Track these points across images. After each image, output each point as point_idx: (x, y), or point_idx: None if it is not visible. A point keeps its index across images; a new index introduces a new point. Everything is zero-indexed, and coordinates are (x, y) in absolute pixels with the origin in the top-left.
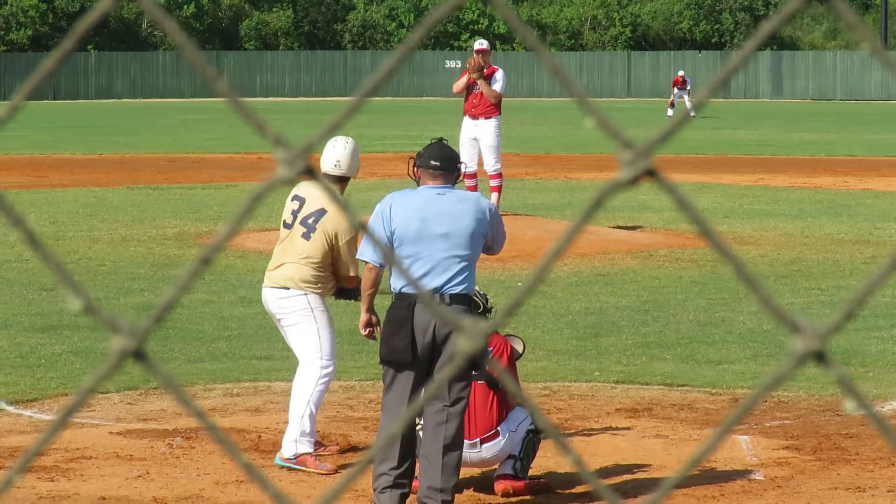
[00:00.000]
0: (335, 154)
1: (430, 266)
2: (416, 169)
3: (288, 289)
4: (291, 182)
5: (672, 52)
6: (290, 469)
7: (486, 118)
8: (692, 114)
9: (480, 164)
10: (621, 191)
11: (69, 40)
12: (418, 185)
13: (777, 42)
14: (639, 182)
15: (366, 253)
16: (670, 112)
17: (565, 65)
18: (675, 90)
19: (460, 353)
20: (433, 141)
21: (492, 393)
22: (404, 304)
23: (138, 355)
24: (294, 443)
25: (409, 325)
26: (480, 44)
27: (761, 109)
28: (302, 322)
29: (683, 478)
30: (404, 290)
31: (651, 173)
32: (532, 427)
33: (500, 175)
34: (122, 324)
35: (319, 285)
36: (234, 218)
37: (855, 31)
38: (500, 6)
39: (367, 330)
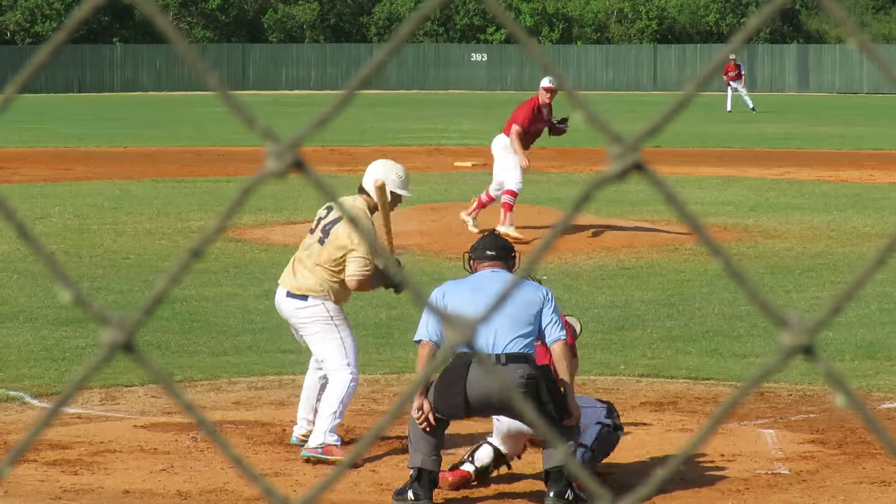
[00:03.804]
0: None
1: (483, 328)
2: (472, 262)
3: (306, 298)
4: (280, 175)
5: (698, 45)
6: (315, 461)
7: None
8: (750, 106)
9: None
10: (610, 185)
11: (62, 33)
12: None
13: (803, 36)
14: (627, 176)
15: (422, 332)
16: (729, 107)
17: (591, 58)
18: (730, 83)
19: (448, 345)
20: (485, 234)
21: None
22: (460, 363)
23: (128, 348)
24: (322, 433)
25: (462, 383)
26: (551, 81)
27: (787, 103)
28: (322, 331)
29: (675, 473)
30: (461, 350)
31: (639, 167)
32: (609, 422)
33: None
34: (112, 316)
35: (333, 293)
36: (225, 210)
37: (843, 26)
38: (488, 2)
39: (419, 414)
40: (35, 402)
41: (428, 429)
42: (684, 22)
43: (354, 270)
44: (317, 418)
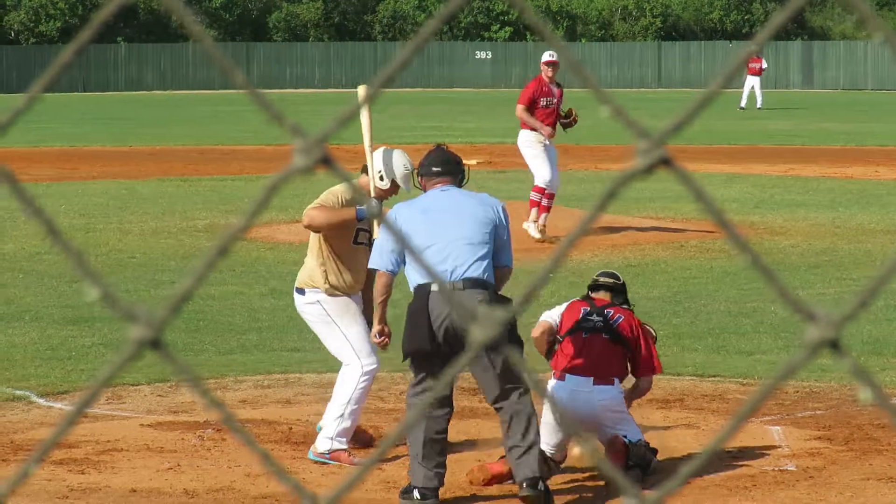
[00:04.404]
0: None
1: (437, 251)
2: (420, 179)
3: (303, 292)
4: (308, 171)
5: (702, 42)
6: (323, 464)
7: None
8: (759, 104)
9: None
10: (637, 180)
11: (87, 32)
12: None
13: (808, 32)
14: (654, 171)
15: (376, 261)
16: (744, 103)
17: (596, 55)
18: (748, 76)
19: (475, 342)
20: (432, 148)
21: (615, 347)
22: (420, 295)
23: (155, 344)
24: (330, 440)
25: (425, 314)
26: (551, 55)
27: (792, 99)
28: (324, 331)
29: (702, 468)
30: (419, 281)
31: (666, 162)
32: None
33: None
34: (140, 313)
35: (324, 281)
36: (252, 208)
37: (868, 21)
38: (517, 2)
39: (381, 339)
40: (41, 401)
41: (387, 349)
42: (688, 19)
43: (307, 209)
44: (326, 417)
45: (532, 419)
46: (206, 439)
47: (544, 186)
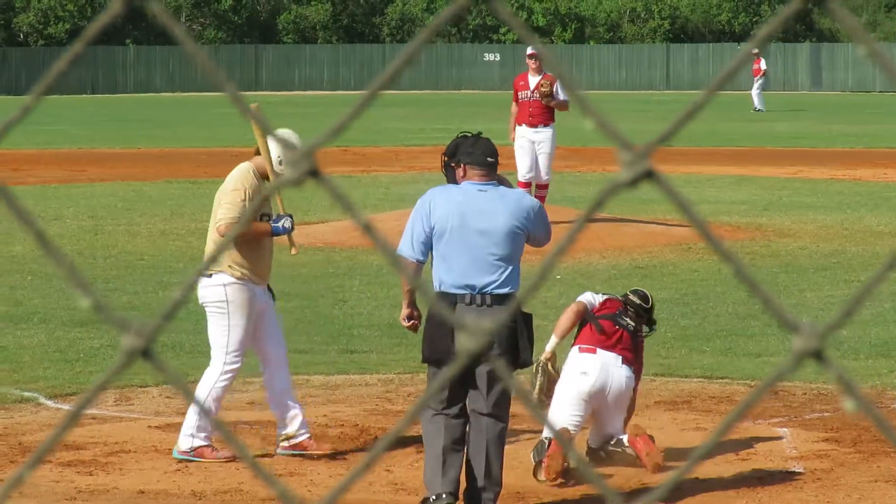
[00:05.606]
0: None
1: (468, 263)
2: (462, 164)
3: (210, 275)
4: (297, 183)
5: (711, 44)
6: (188, 462)
7: (544, 126)
8: (761, 108)
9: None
10: (621, 192)
11: (80, 44)
12: (458, 181)
13: (816, 34)
14: (638, 183)
15: (404, 248)
16: (757, 105)
17: (604, 58)
18: (754, 79)
19: (463, 351)
20: (473, 135)
21: (634, 351)
22: (445, 304)
23: (146, 354)
24: (190, 437)
25: (449, 325)
26: (532, 47)
27: (800, 101)
28: (215, 315)
29: (686, 476)
30: (445, 289)
31: (650, 175)
32: None
33: (548, 185)
34: (132, 323)
35: (232, 264)
36: (243, 218)
37: (854, 35)
38: (501, 10)
39: (410, 322)
40: (49, 402)
41: (415, 332)
42: (697, 21)
43: (221, 215)
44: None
45: (497, 463)
46: (213, 440)
47: (524, 181)
